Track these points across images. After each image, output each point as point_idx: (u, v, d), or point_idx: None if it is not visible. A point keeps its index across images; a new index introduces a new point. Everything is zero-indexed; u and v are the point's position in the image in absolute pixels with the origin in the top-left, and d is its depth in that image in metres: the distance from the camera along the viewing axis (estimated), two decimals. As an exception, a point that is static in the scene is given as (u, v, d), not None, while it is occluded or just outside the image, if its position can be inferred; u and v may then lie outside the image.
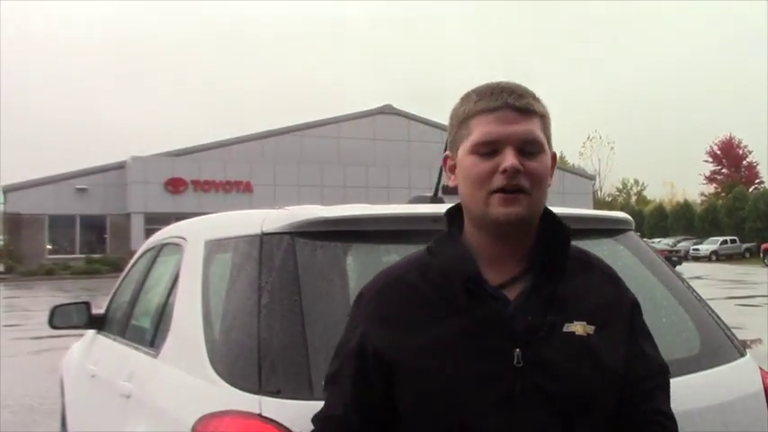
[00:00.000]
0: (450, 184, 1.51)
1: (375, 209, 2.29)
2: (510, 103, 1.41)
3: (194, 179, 36.81)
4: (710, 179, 67.41)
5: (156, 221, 30.76)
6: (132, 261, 4.03)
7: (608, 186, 74.51)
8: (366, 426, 1.47)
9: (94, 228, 38.09)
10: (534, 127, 1.42)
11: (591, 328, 1.43)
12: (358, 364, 1.47)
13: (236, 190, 37.41)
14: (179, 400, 2.26)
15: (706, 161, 67.29)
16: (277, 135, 40.04)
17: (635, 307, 1.57)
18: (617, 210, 4.10)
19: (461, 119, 1.46)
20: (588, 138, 74.01)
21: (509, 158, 1.38)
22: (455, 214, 1.53)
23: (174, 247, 3.03)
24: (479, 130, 1.41)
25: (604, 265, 1.59)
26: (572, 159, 74.01)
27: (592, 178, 53.92)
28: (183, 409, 2.14)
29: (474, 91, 1.47)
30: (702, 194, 69.31)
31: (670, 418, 1.53)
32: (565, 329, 1.41)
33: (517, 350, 1.37)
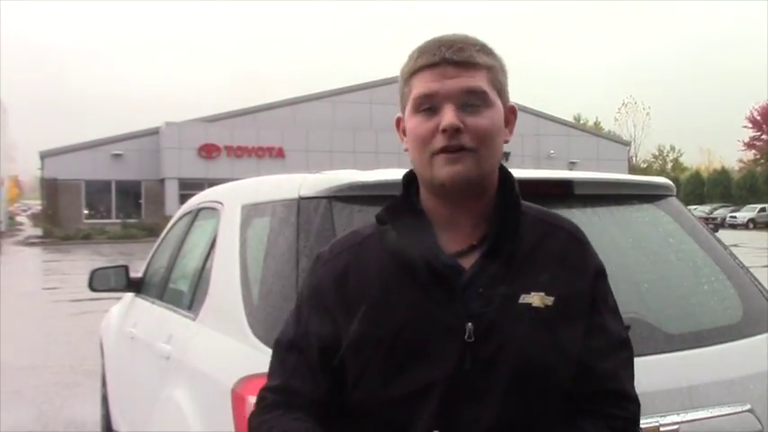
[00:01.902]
0: (404, 147, 1.43)
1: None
2: (448, 58, 1.33)
3: (227, 145, 36.98)
4: (749, 145, 65.96)
5: (189, 187, 31.09)
6: (169, 225, 4.07)
7: (643, 153, 73.44)
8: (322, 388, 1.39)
9: (130, 193, 38.56)
10: (477, 80, 1.33)
11: (550, 300, 1.33)
12: (320, 326, 1.40)
13: (269, 156, 37.53)
14: (218, 362, 2.29)
15: (745, 127, 65.78)
16: (309, 101, 39.98)
17: (599, 275, 1.43)
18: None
19: (404, 78, 1.40)
20: (623, 103, 72.71)
21: (447, 116, 1.31)
22: (412, 178, 1.45)
23: (211, 211, 3.05)
24: (418, 87, 1.35)
25: (572, 228, 1.45)
26: (607, 125, 73.04)
27: (627, 144, 53.16)
28: (222, 371, 2.16)
29: (417, 48, 1.39)
30: (741, 161, 68.03)
31: (632, 400, 1.41)
32: (521, 301, 1.32)
33: (469, 324, 1.30)
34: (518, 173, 2.39)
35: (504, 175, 1.43)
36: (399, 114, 1.46)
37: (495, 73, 1.38)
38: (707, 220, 37.19)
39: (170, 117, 38.52)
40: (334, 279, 1.41)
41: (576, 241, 1.43)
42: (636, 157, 68.00)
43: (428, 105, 1.34)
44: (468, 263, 1.36)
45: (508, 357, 1.30)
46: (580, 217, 2.33)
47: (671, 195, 2.59)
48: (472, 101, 1.33)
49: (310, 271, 1.49)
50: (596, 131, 56.77)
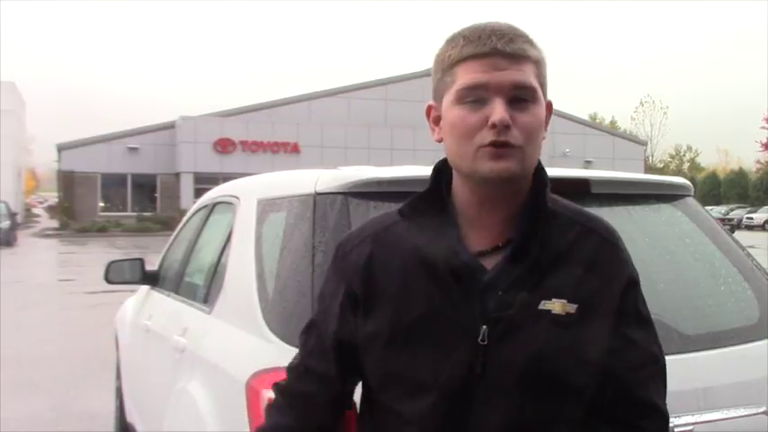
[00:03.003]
0: (435, 137, 1.38)
1: (429, 170, 2.27)
2: (499, 49, 1.26)
3: (242, 140, 37.09)
4: (767, 146, 65.40)
5: (204, 181, 31.27)
6: (184, 219, 4.09)
7: (660, 152, 72.99)
8: (343, 377, 1.44)
9: (145, 186, 38.77)
10: (526, 74, 1.28)
11: (572, 307, 1.29)
12: (341, 313, 1.41)
13: (284, 151, 37.61)
14: (233, 356, 2.30)
15: (763, 128, 65.17)
16: (324, 96, 40.02)
17: (629, 285, 1.37)
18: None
19: (446, 65, 1.32)
20: (641, 102, 72.30)
21: (498, 111, 1.24)
22: (443, 170, 1.40)
23: (227, 205, 3.06)
24: (465, 77, 1.28)
25: (606, 232, 1.39)
26: (623, 124, 72.65)
27: (643, 144, 52.80)
28: (237, 365, 2.17)
29: (460, 34, 1.31)
30: (758, 162, 67.43)
31: (661, 413, 1.37)
32: (540, 307, 1.29)
33: (484, 327, 1.28)
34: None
35: (539, 175, 1.37)
36: (431, 102, 1.39)
37: (541, 67, 1.33)
38: (723, 220, 36.92)
39: (185, 111, 38.52)
40: (361, 266, 1.39)
41: (609, 246, 1.38)
42: (652, 156, 67.60)
43: (474, 97, 1.28)
44: (490, 264, 1.32)
45: (520, 363, 1.28)
46: (597, 216, 2.32)
47: (688, 195, 2.57)
48: (521, 96, 1.28)
49: (337, 256, 1.46)
50: (612, 130, 56.45)
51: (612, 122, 74.15)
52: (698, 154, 77.24)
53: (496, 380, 1.28)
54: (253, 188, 2.84)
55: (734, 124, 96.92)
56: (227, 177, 4.34)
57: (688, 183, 2.60)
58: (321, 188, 2.18)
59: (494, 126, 1.25)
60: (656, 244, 2.43)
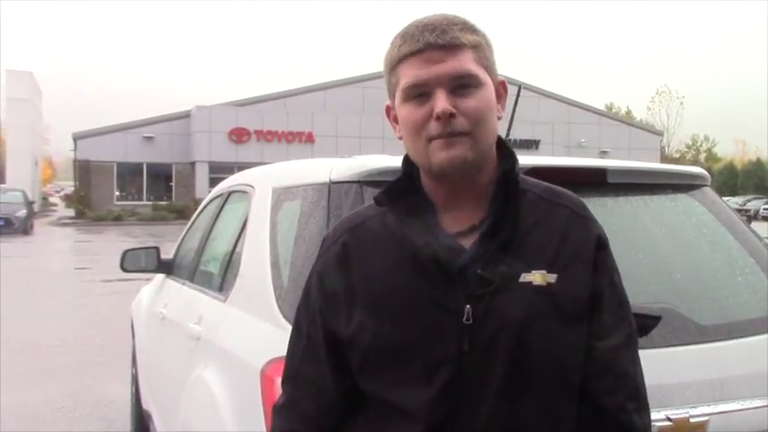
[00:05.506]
0: (397, 135, 1.42)
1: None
2: (432, 42, 1.31)
3: (257, 129, 37.13)
4: (785, 136, 64.77)
5: (219, 170, 31.37)
6: (200, 208, 4.11)
7: (676, 143, 72.44)
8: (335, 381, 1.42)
9: (161, 176, 38.94)
10: (464, 61, 1.32)
11: (552, 277, 1.31)
12: (320, 321, 1.42)
13: (299, 140, 37.64)
14: (248, 344, 2.31)
15: (781, 118, 64.59)
16: (339, 86, 39.97)
17: (599, 242, 1.38)
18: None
19: (390, 66, 1.38)
20: (657, 92, 71.71)
21: (439, 102, 1.29)
22: (412, 161, 1.43)
23: (242, 194, 3.07)
24: (406, 76, 1.34)
25: (574, 205, 1.41)
26: (640, 114, 72.15)
27: (659, 134, 52.39)
28: (251, 353, 2.18)
29: (399, 34, 1.37)
30: (776, 152, 66.86)
31: (629, 377, 1.37)
32: (521, 280, 1.30)
33: (468, 306, 1.29)
34: (551, 160, 2.38)
35: (506, 152, 1.41)
36: (388, 103, 1.44)
37: (482, 50, 1.36)
38: (740, 211, 36.62)
39: (200, 101, 38.61)
40: (338, 262, 1.41)
41: (579, 218, 1.40)
42: (668, 147, 67.13)
43: (419, 93, 1.33)
44: (468, 243, 1.34)
45: (507, 339, 1.29)
46: (613, 206, 2.31)
47: (705, 185, 2.56)
48: (463, 83, 1.32)
49: (318, 256, 1.49)
50: (628, 120, 56.06)
51: (628, 112, 73.72)
52: (715, 144, 76.71)
53: (486, 358, 1.29)
54: (268, 177, 2.85)
55: (752, 114, 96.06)
56: (241, 166, 4.36)
57: (705, 172, 2.58)
58: (336, 177, 2.18)
59: (438, 118, 1.30)
60: (672, 234, 2.42)
